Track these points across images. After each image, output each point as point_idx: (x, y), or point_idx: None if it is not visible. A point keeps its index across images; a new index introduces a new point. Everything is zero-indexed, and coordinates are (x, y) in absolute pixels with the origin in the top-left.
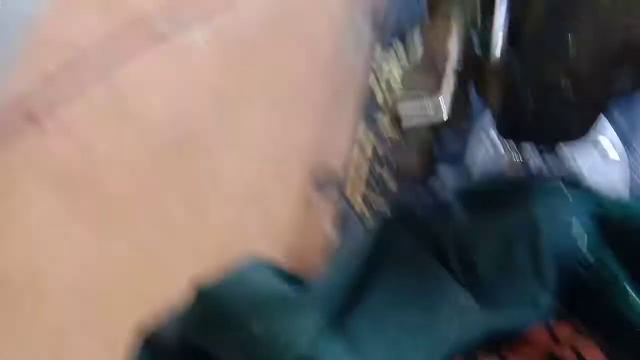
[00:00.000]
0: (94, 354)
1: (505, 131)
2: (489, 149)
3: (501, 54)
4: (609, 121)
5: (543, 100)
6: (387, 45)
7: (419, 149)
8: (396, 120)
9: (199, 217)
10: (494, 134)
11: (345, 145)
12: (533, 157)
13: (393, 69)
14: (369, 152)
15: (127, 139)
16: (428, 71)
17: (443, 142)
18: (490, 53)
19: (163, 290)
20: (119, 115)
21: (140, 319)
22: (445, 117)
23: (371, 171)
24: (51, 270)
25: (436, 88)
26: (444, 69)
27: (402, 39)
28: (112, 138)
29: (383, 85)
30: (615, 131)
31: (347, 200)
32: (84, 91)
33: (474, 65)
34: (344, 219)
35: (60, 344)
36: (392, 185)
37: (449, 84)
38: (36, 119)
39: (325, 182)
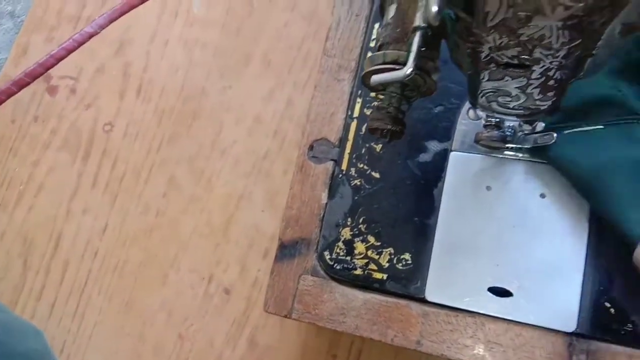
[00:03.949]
0: (111, 315)
1: (472, 96)
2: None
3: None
4: None
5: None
6: (378, 9)
7: (388, 112)
8: (366, 77)
9: (206, 186)
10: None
11: (341, 112)
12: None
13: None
14: (360, 119)
15: (139, 110)
16: (396, 28)
17: (433, 119)
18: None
19: (173, 254)
20: (130, 84)
21: (151, 282)
22: (408, 72)
23: (363, 139)
24: (71, 234)
25: (402, 44)
26: (411, 26)
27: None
28: (127, 109)
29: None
30: None
31: (341, 168)
32: (97, 62)
33: (444, 28)
34: (337, 186)
35: (82, 306)
36: (382, 152)
37: (414, 40)
38: (57, 91)
39: (320, 149)
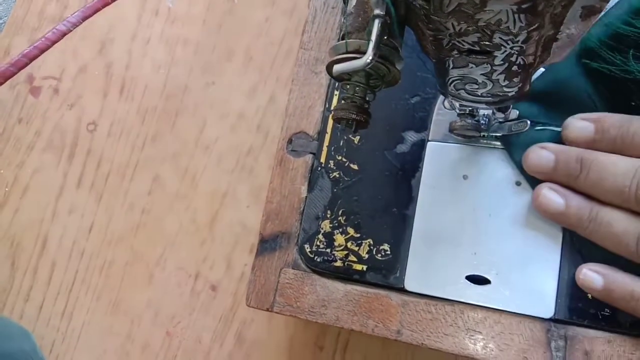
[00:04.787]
0: (99, 314)
1: (441, 85)
2: (446, 108)
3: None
4: None
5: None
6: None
7: (353, 102)
8: (329, 67)
9: (190, 183)
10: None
11: (319, 105)
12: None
13: None
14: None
15: (122, 108)
16: (358, 17)
17: (410, 109)
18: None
19: (159, 253)
20: (113, 83)
21: (138, 281)
22: (368, 60)
23: (341, 131)
24: (57, 234)
25: (364, 33)
26: (371, 14)
27: None
28: (110, 108)
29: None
30: None
31: (320, 161)
32: (80, 62)
33: (407, 14)
34: (316, 179)
35: (70, 306)
36: (360, 144)
37: (373, 29)
38: (40, 92)
39: (299, 143)
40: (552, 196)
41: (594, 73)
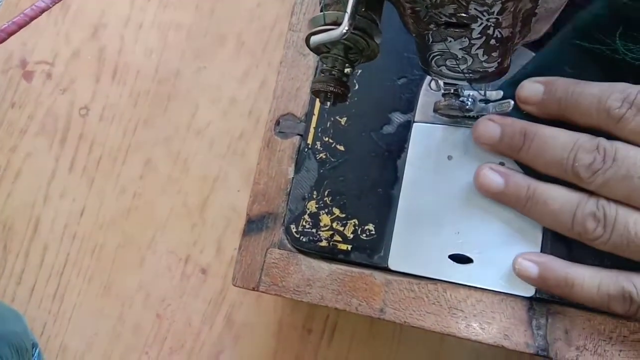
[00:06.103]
0: (90, 297)
1: (423, 61)
2: (432, 88)
3: None
4: None
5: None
6: None
7: (331, 75)
8: (307, 39)
9: (182, 167)
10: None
11: (306, 86)
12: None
13: None
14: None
15: (114, 93)
16: None
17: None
18: None
19: (150, 236)
20: (105, 67)
21: (129, 264)
22: (344, 31)
23: (328, 112)
24: (49, 218)
25: (342, 5)
26: None
27: None
28: (102, 93)
29: None
30: None
31: (306, 142)
32: (72, 47)
33: None
34: (303, 160)
35: (62, 289)
36: (346, 126)
37: (349, 0)
38: (33, 76)
39: (286, 124)
40: (492, 175)
41: (588, 54)
